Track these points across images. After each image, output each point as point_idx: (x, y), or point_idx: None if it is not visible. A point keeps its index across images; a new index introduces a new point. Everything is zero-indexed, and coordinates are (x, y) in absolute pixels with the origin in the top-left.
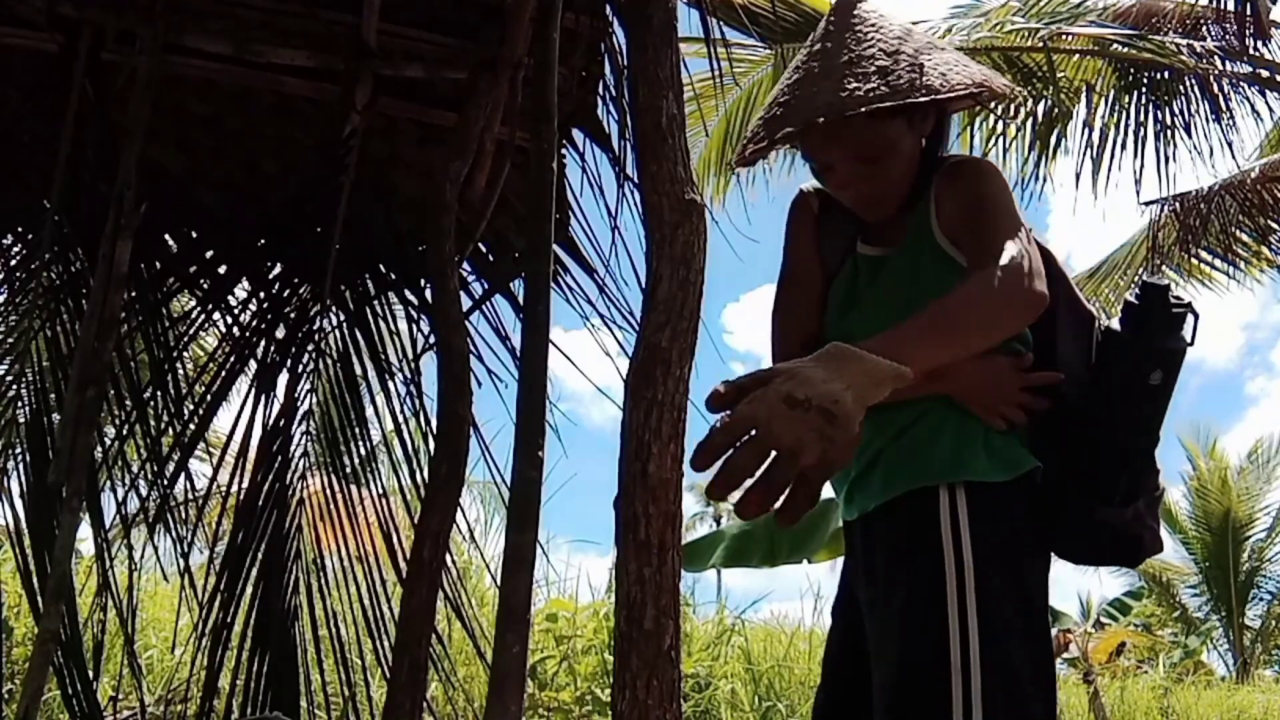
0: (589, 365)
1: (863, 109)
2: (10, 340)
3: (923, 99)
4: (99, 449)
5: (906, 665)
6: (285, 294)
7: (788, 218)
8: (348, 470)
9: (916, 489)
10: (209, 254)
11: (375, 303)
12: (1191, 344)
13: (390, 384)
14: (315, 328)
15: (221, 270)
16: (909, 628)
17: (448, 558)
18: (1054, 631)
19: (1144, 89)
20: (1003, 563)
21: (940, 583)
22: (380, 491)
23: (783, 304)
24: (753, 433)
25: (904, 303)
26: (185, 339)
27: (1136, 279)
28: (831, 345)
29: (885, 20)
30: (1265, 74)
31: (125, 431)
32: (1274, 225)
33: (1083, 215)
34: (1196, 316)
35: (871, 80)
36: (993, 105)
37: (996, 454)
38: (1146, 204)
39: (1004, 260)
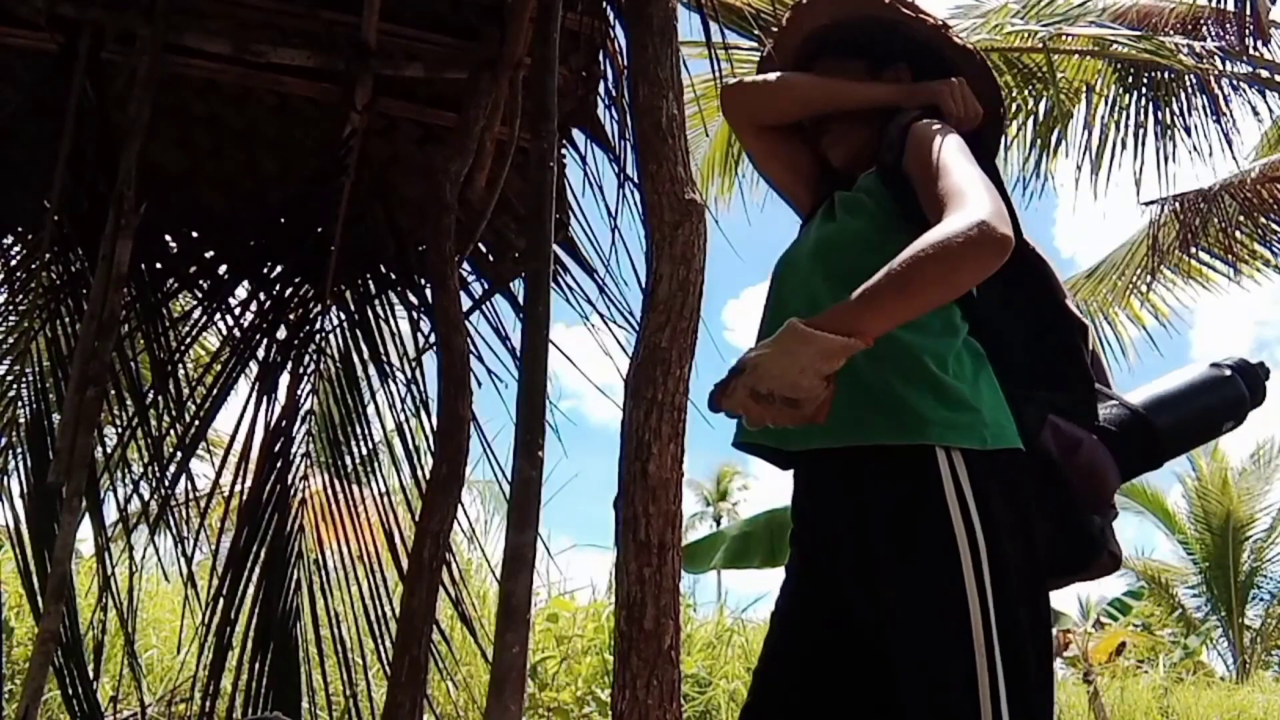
0: (589, 364)
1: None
2: (10, 340)
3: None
4: (100, 449)
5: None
6: (286, 294)
7: None
8: (349, 470)
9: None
10: (209, 254)
11: (375, 303)
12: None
13: (390, 384)
14: (316, 328)
15: (221, 270)
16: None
17: (448, 557)
18: (1054, 631)
19: (1144, 89)
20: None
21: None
22: (381, 491)
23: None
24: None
25: (821, 241)
26: (186, 339)
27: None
28: (788, 325)
29: None
30: (1265, 74)
31: (127, 434)
32: (1274, 225)
33: (1083, 215)
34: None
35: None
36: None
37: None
38: (1146, 204)
39: (960, 206)
